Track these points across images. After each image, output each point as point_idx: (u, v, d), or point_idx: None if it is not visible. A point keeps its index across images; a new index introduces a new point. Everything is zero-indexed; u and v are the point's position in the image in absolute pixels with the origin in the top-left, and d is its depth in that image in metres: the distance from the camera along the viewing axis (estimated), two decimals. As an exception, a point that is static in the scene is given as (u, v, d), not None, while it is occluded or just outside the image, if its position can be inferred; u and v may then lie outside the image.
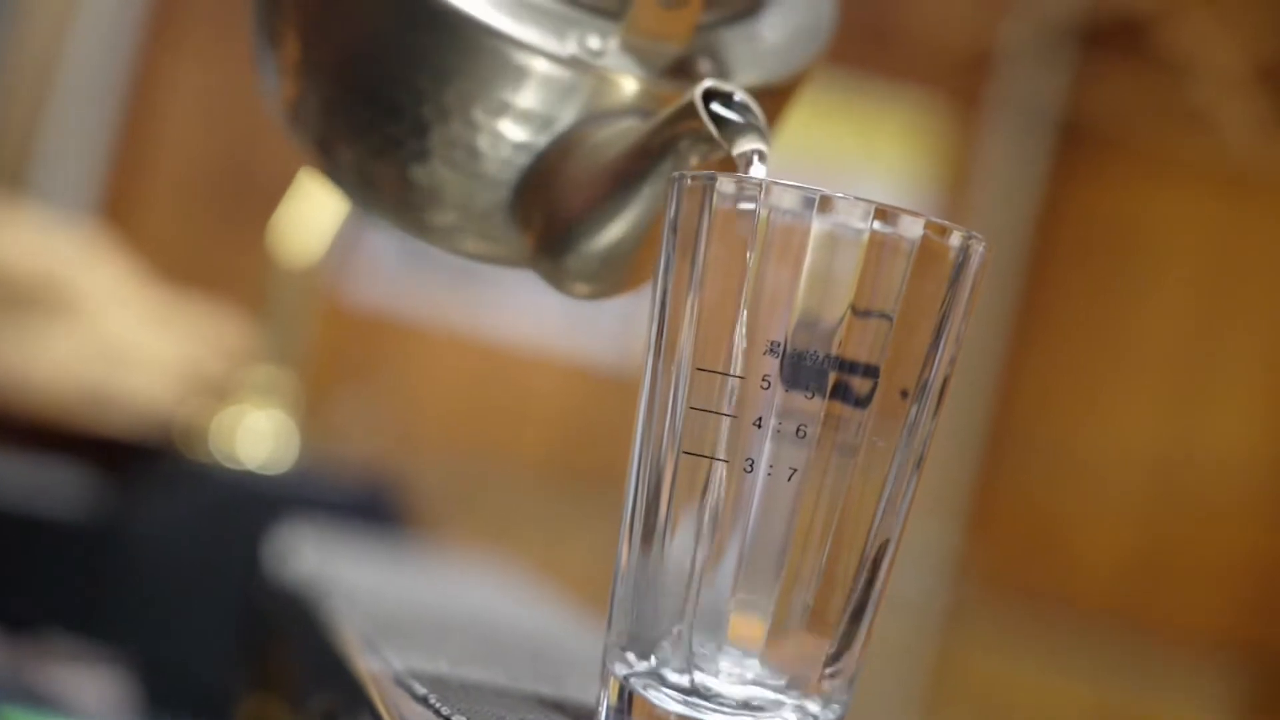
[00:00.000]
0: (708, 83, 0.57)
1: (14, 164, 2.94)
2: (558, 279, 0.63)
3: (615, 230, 0.60)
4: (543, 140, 0.63)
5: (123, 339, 1.42)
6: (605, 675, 0.54)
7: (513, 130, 0.63)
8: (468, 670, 0.63)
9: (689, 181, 0.53)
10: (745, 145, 0.57)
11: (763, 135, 0.57)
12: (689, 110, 0.57)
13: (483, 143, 0.63)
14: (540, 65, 0.62)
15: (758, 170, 0.57)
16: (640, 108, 0.62)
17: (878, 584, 0.53)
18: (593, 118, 0.62)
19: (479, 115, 0.62)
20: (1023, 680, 3.21)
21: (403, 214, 0.67)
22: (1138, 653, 3.23)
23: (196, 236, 3.11)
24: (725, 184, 0.52)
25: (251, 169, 3.07)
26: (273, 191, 1.38)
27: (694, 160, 0.58)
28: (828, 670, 0.52)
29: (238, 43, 3.11)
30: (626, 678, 0.53)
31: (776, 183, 0.52)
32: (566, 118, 0.62)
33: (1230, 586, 3.27)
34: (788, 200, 0.51)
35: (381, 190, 0.66)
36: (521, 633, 0.81)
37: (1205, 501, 3.29)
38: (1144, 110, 3.29)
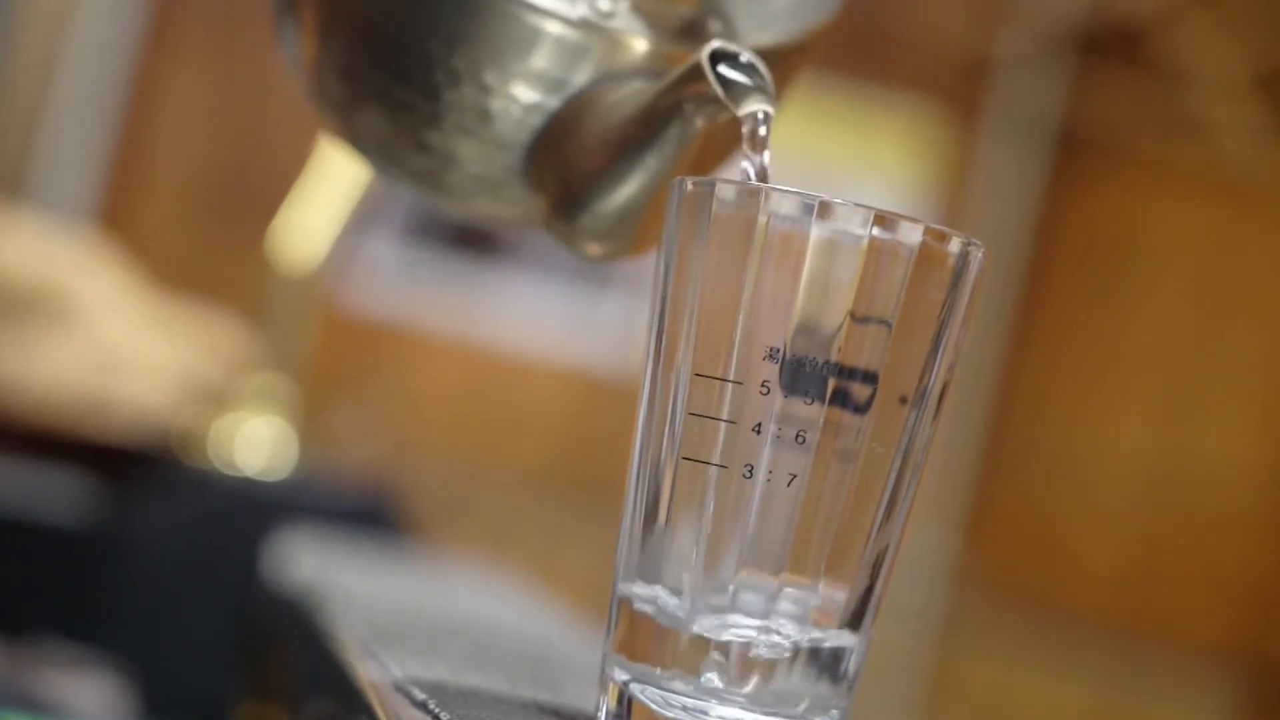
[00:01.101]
0: (715, 44, 0.57)
1: (12, 171, 2.94)
2: (571, 239, 0.63)
3: (626, 191, 0.60)
4: (554, 102, 0.63)
5: (121, 346, 1.42)
6: (604, 681, 0.54)
7: (524, 93, 0.63)
8: (466, 676, 0.63)
9: (688, 187, 0.53)
10: (751, 106, 0.57)
11: (769, 97, 0.57)
12: (696, 72, 0.57)
13: (494, 105, 0.63)
14: (550, 27, 0.62)
15: (762, 132, 0.57)
16: (651, 68, 0.62)
17: (876, 590, 0.53)
18: (604, 78, 0.62)
19: (490, 78, 0.62)
20: (1021, 686, 3.21)
21: (419, 178, 0.67)
22: (1135, 659, 3.23)
23: (195, 243, 3.11)
24: (724, 190, 0.52)
25: (249, 176, 3.07)
26: (271, 198, 1.38)
27: (700, 122, 0.58)
28: (827, 676, 0.52)
29: (236, 50, 3.12)
30: (626, 684, 0.53)
31: (775, 189, 0.52)
32: (578, 79, 0.62)
33: (1228, 593, 3.27)
34: (787, 206, 0.51)
35: (398, 155, 0.67)
36: (520, 639, 0.81)
37: (1203, 508, 3.29)
38: (1141, 118, 3.29)
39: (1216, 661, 3.21)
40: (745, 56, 0.57)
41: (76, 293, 1.44)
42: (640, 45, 0.62)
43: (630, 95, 0.60)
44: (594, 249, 0.63)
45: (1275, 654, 3.22)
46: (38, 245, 1.53)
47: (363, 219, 1.37)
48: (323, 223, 1.28)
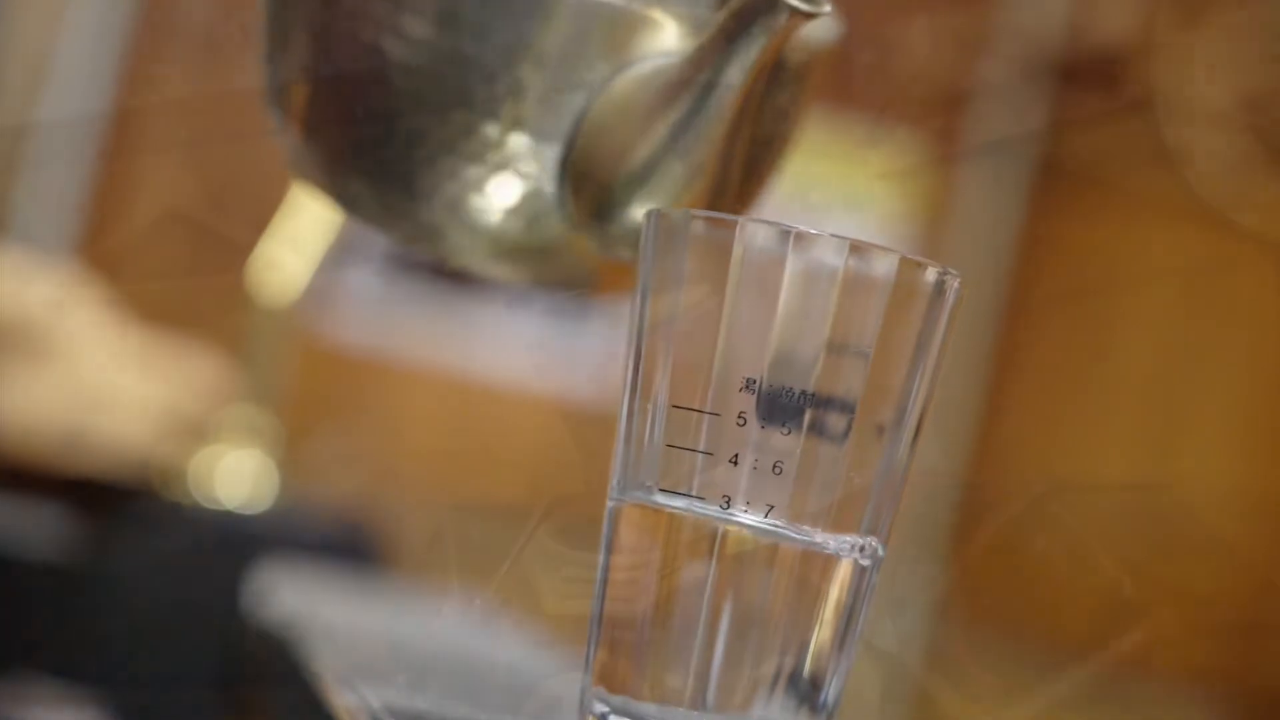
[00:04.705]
0: None
1: (-8, 205, 2.94)
2: (613, 236, 0.62)
3: (674, 158, 0.59)
4: (579, 99, 0.62)
5: (101, 380, 1.42)
6: (583, 713, 0.54)
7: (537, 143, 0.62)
8: (447, 709, 0.63)
9: (664, 218, 0.53)
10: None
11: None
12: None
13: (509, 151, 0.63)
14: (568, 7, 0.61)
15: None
16: (674, 50, 0.61)
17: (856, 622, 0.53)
18: (626, 66, 0.62)
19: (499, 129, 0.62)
20: (1003, 718, 3.20)
21: (414, 242, 0.67)
22: (1118, 690, 3.23)
23: (174, 276, 3.11)
24: (700, 221, 0.53)
25: (229, 209, 3.07)
26: (250, 231, 1.38)
27: (754, 52, 0.57)
28: (806, 706, 0.52)
29: (215, 84, 3.12)
30: (604, 715, 0.53)
31: (752, 220, 0.52)
32: (599, 72, 0.62)
33: (1210, 622, 3.28)
34: (763, 237, 0.51)
35: (390, 226, 0.66)
36: (500, 671, 0.81)
37: (1184, 538, 3.29)
38: (1122, 147, 3.30)
39: (1200, 691, 3.21)
40: None
41: (55, 327, 1.44)
42: (668, 24, 0.62)
43: (657, 71, 0.60)
44: (626, 253, 0.62)
45: (1258, 682, 3.22)
46: (17, 280, 1.53)
47: (342, 251, 1.37)
48: (302, 255, 1.28)
